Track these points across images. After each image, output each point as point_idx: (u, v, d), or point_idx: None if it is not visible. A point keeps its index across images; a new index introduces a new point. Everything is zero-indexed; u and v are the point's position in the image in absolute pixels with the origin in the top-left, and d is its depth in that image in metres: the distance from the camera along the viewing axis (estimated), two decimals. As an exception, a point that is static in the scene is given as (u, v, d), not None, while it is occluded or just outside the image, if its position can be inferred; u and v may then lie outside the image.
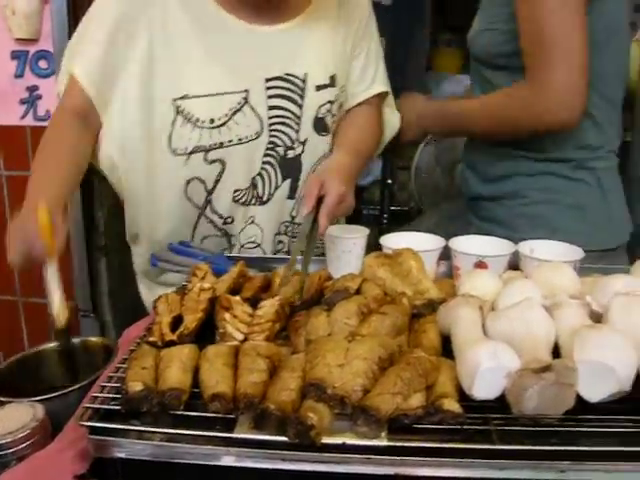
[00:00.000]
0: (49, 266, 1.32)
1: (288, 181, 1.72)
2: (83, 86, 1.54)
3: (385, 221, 3.61)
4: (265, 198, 1.70)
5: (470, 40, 1.77)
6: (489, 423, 0.94)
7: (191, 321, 1.17)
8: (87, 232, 2.29)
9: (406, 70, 3.15)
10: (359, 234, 1.51)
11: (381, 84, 1.83)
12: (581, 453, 0.89)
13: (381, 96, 1.85)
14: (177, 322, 1.20)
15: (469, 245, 1.47)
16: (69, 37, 1.96)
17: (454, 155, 2.39)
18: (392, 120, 1.89)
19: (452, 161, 2.47)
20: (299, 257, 1.37)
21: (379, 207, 3.77)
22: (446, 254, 1.49)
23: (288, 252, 1.78)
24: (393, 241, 1.48)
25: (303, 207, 1.42)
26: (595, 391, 0.96)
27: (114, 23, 1.52)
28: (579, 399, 0.95)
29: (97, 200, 2.28)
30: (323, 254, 1.55)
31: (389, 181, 3.65)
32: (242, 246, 1.73)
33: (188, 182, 1.63)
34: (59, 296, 1.34)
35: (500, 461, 0.89)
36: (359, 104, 1.81)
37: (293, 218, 1.76)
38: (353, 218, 1.79)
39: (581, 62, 1.50)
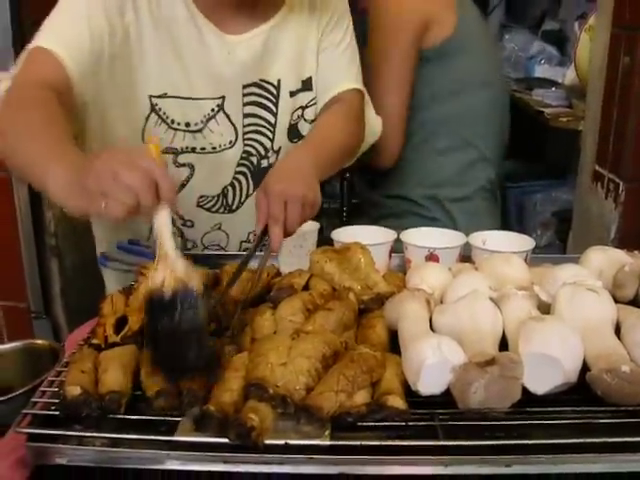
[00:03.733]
0: (165, 210, 1.03)
1: None
2: (61, 59, 1.35)
3: (345, 215, 3.61)
4: (234, 207, 1.68)
5: None
6: (435, 419, 0.94)
7: (135, 322, 1.15)
8: (36, 233, 2.25)
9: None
10: (310, 228, 1.50)
11: (353, 81, 1.73)
12: (527, 446, 0.89)
13: (357, 95, 1.74)
14: (122, 323, 1.18)
15: (420, 237, 1.47)
16: (13, 29, 1.93)
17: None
18: (374, 124, 1.82)
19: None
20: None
21: (339, 200, 3.77)
22: (400, 247, 1.49)
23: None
24: (345, 235, 1.48)
25: (257, 224, 1.32)
26: (541, 383, 0.96)
27: (99, 6, 1.42)
28: (525, 391, 0.95)
29: (46, 200, 2.24)
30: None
31: (348, 175, 3.66)
32: (206, 247, 1.70)
33: None
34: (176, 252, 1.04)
35: (446, 457, 0.89)
36: (332, 102, 1.71)
37: None
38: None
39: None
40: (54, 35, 1.40)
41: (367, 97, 1.79)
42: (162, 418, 0.95)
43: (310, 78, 1.67)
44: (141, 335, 1.12)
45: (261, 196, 1.33)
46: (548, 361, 0.94)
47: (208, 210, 1.66)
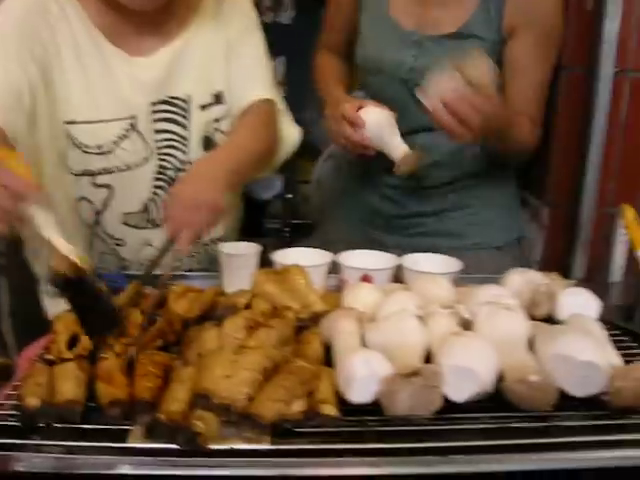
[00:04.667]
0: (38, 209, 1.13)
1: None
2: None
3: (287, 234, 3.68)
4: (159, 221, 1.71)
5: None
6: (365, 425, 1.02)
7: (87, 340, 1.22)
8: (-17, 252, 2.28)
9: (306, 88, 3.24)
10: (251, 251, 1.57)
11: (265, 91, 1.74)
12: (447, 448, 0.98)
13: (268, 105, 1.75)
14: (74, 340, 1.25)
15: (355, 260, 1.56)
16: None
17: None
18: (292, 134, 1.83)
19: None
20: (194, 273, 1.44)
21: (281, 220, 3.84)
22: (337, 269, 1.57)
23: (190, 270, 1.77)
24: (284, 257, 1.55)
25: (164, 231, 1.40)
26: (460, 392, 1.05)
27: (10, 50, 1.49)
28: (446, 400, 1.05)
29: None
30: (217, 270, 1.61)
31: (289, 195, 3.74)
32: (142, 264, 1.73)
33: (79, 200, 1.65)
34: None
35: (375, 459, 0.97)
36: (245, 112, 1.71)
37: None
38: (256, 232, 1.83)
39: None
40: None
41: (282, 107, 1.82)
42: (115, 427, 1.01)
43: (221, 92, 1.71)
44: (93, 352, 1.20)
45: (167, 202, 1.43)
46: (466, 372, 1.04)
47: (135, 227, 1.71)
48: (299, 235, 3.38)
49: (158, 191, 1.69)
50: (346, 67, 2.06)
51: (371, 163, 1.88)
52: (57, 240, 1.13)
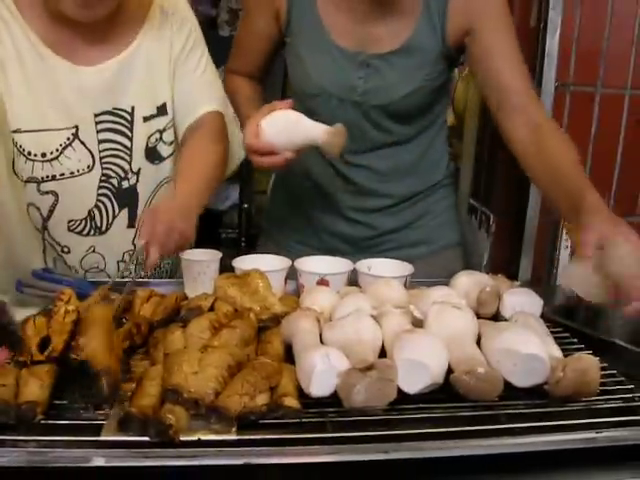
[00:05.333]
0: None
1: (125, 210, 1.77)
2: None
3: (243, 244, 3.73)
4: (104, 228, 1.76)
5: (385, 98, 1.81)
6: (325, 416, 1.08)
7: (58, 342, 1.25)
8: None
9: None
10: (212, 257, 1.64)
11: (213, 104, 1.85)
12: (401, 436, 1.05)
13: (217, 117, 1.85)
14: (44, 343, 1.29)
15: (312, 265, 1.63)
16: None
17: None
18: (238, 151, 1.94)
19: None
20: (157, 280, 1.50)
21: (237, 230, 3.89)
22: (292, 275, 1.64)
23: (139, 277, 1.77)
24: (244, 263, 1.61)
25: (139, 239, 1.51)
26: (413, 384, 1.12)
27: None
28: (400, 392, 1.12)
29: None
30: (179, 276, 1.67)
31: (245, 205, 3.80)
32: (86, 271, 1.78)
33: (28, 206, 1.69)
34: None
35: (335, 447, 1.03)
36: (195, 126, 1.82)
37: (136, 246, 1.78)
38: (212, 241, 1.89)
39: None
40: None
41: (231, 115, 1.94)
42: (88, 422, 1.06)
43: (165, 104, 1.77)
44: (64, 353, 1.25)
45: (148, 218, 1.52)
46: (418, 365, 1.12)
47: (79, 234, 1.74)
48: (255, 245, 3.44)
49: (102, 199, 1.74)
50: (258, 88, 2.05)
51: (328, 187, 1.93)
52: None
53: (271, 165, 1.62)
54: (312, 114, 1.82)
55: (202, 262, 1.61)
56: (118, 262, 1.82)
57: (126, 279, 1.64)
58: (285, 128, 1.61)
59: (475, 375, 1.12)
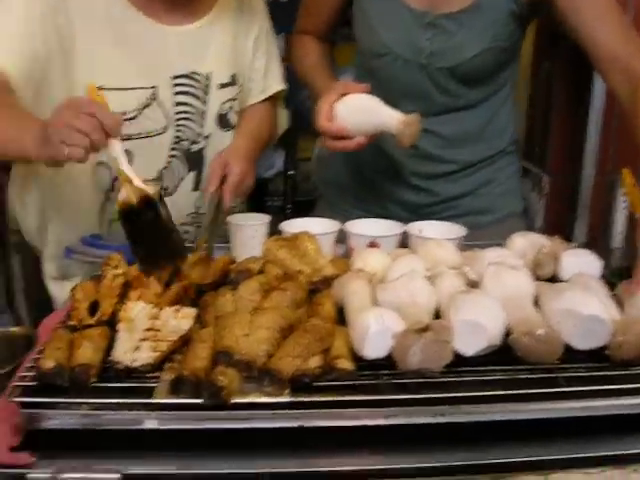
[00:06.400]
0: (116, 141, 1.29)
1: (192, 174, 1.81)
2: (3, 68, 1.47)
3: (289, 211, 3.71)
4: (170, 190, 1.79)
5: (452, 60, 1.74)
6: (379, 378, 1.06)
7: (107, 306, 1.26)
8: (1, 230, 2.31)
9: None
10: (261, 221, 1.63)
11: (280, 83, 1.99)
12: (458, 399, 1.03)
13: (279, 94, 2.01)
14: (94, 307, 1.29)
15: (362, 227, 1.60)
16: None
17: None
18: (282, 116, 2.06)
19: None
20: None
21: (283, 198, 3.87)
22: (342, 238, 1.62)
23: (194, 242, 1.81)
24: (292, 226, 1.59)
25: (208, 185, 1.55)
26: (469, 346, 1.10)
27: (35, 12, 1.52)
28: (456, 354, 1.09)
29: (7, 198, 2.30)
30: (227, 241, 1.66)
31: (291, 172, 3.77)
32: None
33: (97, 165, 1.69)
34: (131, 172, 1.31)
35: (390, 409, 1.01)
36: (265, 102, 1.96)
37: (198, 209, 1.84)
38: (258, 209, 1.88)
39: None
40: None
41: (284, 91, 2.04)
42: (140, 384, 1.05)
43: (236, 74, 1.83)
44: (113, 317, 1.24)
45: (219, 165, 1.62)
46: (475, 327, 1.09)
47: None
48: (301, 212, 3.41)
49: (173, 160, 1.77)
50: (327, 50, 2.03)
51: (391, 152, 1.88)
52: (129, 171, 1.29)
53: (343, 149, 1.62)
54: (376, 74, 1.81)
55: (251, 226, 1.60)
56: (180, 224, 1.80)
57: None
58: (361, 114, 1.60)
59: (534, 337, 1.08)
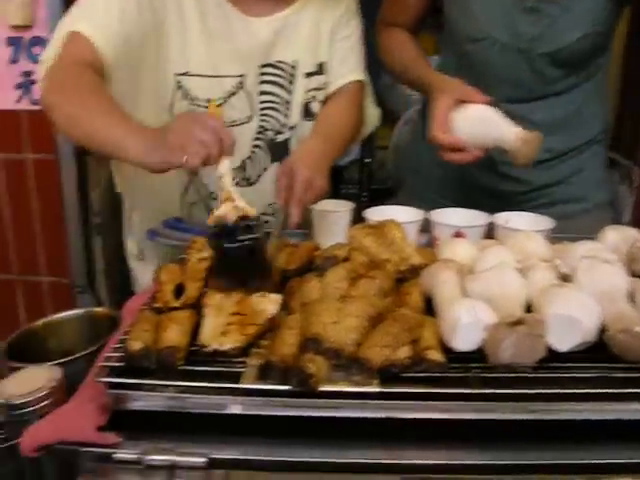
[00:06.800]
0: (227, 160, 1.30)
1: (276, 164, 1.78)
2: (97, 45, 1.45)
3: (364, 199, 3.69)
4: (253, 180, 1.78)
5: (552, 45, 1.70)
6: (469, 371, 1.04)
7: (193, 289, 1.26)
8: (83, 211, 2.36)
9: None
10: (345, 208, 1.61)
11: (360, 73, 1.87)
12: (550, 396, 1.00)
13: (360, 86, 1.88)
14: (178, 290, 1.29)
15: (448, 217, 1.58)
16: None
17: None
18: (373, 114, 1.95)
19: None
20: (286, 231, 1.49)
21: (358, 186, 3.84)
22: (425, 228, 1.59)
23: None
24: (376, 214, 1.58)
25: (277, 196, 1.48)
26: (563, 342, 1.06)
27: None
28: (549, 349, 1.06)
29: (91, 179, 2.35)
30: (304, 228, 1.64)
31: (368, 160, 3.74)
32: None
33: None
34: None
35: (480, 403, 0.99)
36: (339, 90, 1.84)
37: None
38: (332, 196, 1.86)
39: None
40: (86, 19, 1.48)
41: (368, 88, 1.91)
42: (226, 369, 1.05)
43: (323, 63, 1.78)
44: (199, 300, 1.24)
45: (284, 174, 1.49)
46: (569, 321, 1.05)
47: None
48: (376, 200, 3.39)
49: (256, 150, 1.76)
50: (419, 42, 1.96)
51: None
52: (234, 190, 1.29)
53: (459, 161, 1.58)
54: (469, 59, 1.77)
55: (335, 213, 1.59)
56: (261, 214, 1.79)
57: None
58: (479, 127, 1.56)
59: (632, 333, 1.04)
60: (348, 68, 1.85)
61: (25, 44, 2.25)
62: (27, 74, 2.29)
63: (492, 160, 1.83)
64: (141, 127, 1.34)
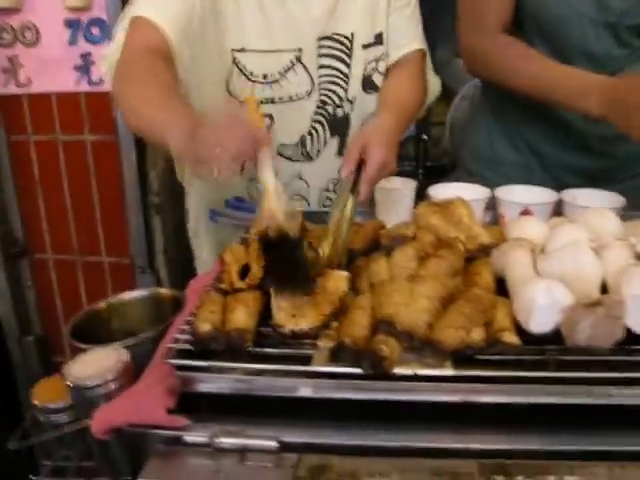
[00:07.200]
0: (264, 151, 1.24)
1: (336, 139, 1.77)
2: (160, 26, 1.44)
3: (421, 177, 3.66)
4: (313, 155, 1.76)
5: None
6: (545, 354, 1.01)
7: (258, 270, 1.24)
8: (142, 191, 2.37)
9: (438, 27, 3.17)
10: (408, 185, 1.59)
11: (421, 42, 1.83)
12: (630, 380, 0.97)
13: (422, 54, 1.85)
14: (243, 271, 1.28)
15: (514, 194, 1.54)
16: (122, 4, 2.02)
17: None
18: (434, 83, 1.91)
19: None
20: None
21: (414, 163, 3.81)
22: (489, 205, 1.56)
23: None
24: (440, 192, 1.55)
25: (343, 169, 1.43)
26: (643, 324, 1.02)
27: None
28: (628, 331, 1.02)
29: (150, 160, 2.36)
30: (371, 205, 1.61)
31: (424, 137, 3.70)
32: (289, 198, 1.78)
33: None
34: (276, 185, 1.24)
35: (558, 387, 0.96)
36: (400, 61, 1.81)
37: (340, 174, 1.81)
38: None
39: None
40: (149, 4, 1.47)
41: (428, 57, 1.87)
42: (294, 351, 1.04)
43: (381, 33, 1.75)
44: (264, 280, 1.22)
45: (357, 145, 1.43)
46: (650, 303, 1.02)
47: (289, 159, 1.74)
48: (432, 177, 3.35)
49: (316, 125, 1.74)
50: None
51: (567, 115, 1.78)
52: (277, 205, 1.21)
53: None
54: (552, 37, 1.73)
55: (399, 190, 1.57)
56: (321, 190, 1.81)
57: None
58: None
59: None
60: (408, 38, 1.81)
61: (83, 26, 2.26)
62: (85, 56, 2.30)
63: (581, 137, 1.80)
64: (186, 118, 1.26)
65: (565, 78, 1.63)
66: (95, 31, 2.26)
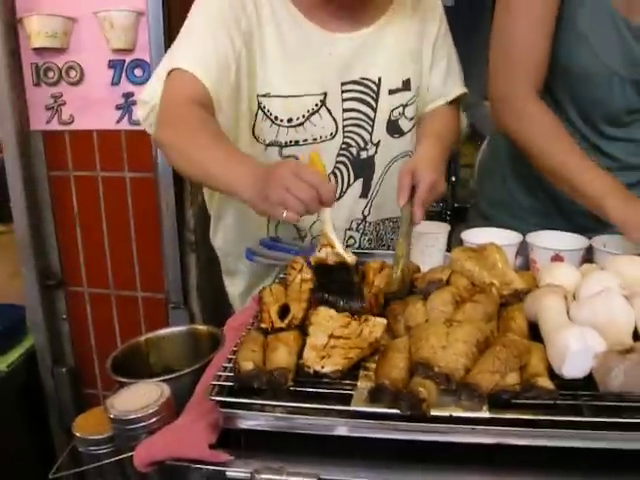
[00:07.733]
0: (328, 209, 1.31)
1: (360, 180, 1.80)
2: (199, 78, 1.50)
3: (448, 218, 3.67)
4: (337, 196, 1.77)
5: None
6: (579, 399, 1.03)
7: (298, 310, 1.27)
8: (179, 229, 2.42)
9: (468, 69, 3.21)
10: (442, 230, 1.62)
11: (461, 86, 1.90)
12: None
13: (461, 99, 1.93)
14: (282, 311, 1.31)
15: (546, 240, 1.57)
16: (165, 45, 2.08)
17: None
18: (462, 120, 1.97)
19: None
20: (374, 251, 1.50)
21: (442, 204, 3.83)
22: (520, 249, 1.59)
23: (359, 247, 1.87)
24: (474, 236, 1.59)
25: (399, 198, 1.49)
26: (676, 371, 1.04)
27: (219, 21, 1.55)
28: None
29: (188, 199, 2.41)
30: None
31: (453, 178, 3.73)
32: (313, 237, 1.80)
33: None
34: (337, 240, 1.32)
35: (591, 432, 0.98)
36: (447, 108, 1.89)
37: (365, 217, 1.85)
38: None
39: None
40: (188, 56, 1.53)
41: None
42: (332, 391, 1.07)
43: (409, 79, 1.78)
44: (303, 322, 1.25)
45: (407, 173, 1.51)
46: (683, 351, 1.04)
47: None
48: (458, 219, 3.37)
49: (340, 166, 1.77)
50: None
51: None
52: (334, 236, 1.31)
53: None
54: (579, 95, 1.75)
55: (433, 234, 1.60)
56: (345, 230, 1.84)
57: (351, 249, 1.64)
58: None
59: None
60: (451, 85, 1.88)
61: (126, 67, 2.33)
62: (127, 95, 2.36)
63: None
64: (249, 169, 1.35)
65: (583, 182, 1.61)
66: (138, 72, 2.32)
